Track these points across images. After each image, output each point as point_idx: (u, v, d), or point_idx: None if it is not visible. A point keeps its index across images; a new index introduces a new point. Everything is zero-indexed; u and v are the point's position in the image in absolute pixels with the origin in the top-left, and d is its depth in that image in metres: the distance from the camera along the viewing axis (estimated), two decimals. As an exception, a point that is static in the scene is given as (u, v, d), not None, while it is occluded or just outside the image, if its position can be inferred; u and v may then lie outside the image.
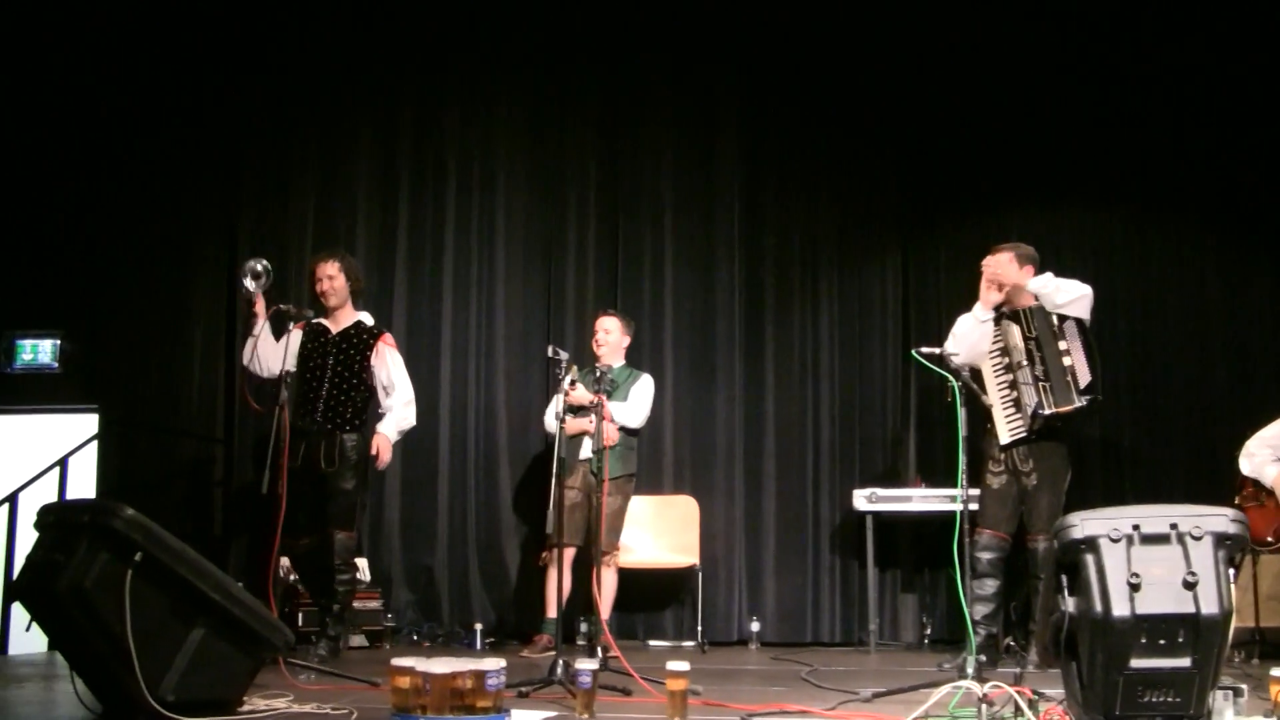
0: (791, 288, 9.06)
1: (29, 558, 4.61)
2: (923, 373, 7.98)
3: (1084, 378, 6.77)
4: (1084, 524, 3.95)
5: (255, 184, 9.33)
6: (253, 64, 9.37)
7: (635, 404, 7.88)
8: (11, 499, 8.26)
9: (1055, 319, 6.85)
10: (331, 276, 7.29)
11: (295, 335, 7.18)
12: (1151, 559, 3.85)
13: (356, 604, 7.82)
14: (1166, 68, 8.74)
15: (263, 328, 7.14)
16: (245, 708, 4.58)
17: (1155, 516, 3.94)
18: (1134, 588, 3.80)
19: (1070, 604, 3.94)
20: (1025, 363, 6.88)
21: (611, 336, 7.89)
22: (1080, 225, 8.84)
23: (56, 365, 9.54)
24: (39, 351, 9.55)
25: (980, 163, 8.90)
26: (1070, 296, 6.85)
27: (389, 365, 7.32)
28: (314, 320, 7.30)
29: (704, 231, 9.15)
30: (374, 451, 7.25)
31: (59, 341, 9.53)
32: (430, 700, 4.19)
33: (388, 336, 7.46)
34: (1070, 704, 4.16)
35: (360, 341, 7.28)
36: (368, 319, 7.47)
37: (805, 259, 9.10)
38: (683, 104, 9.31)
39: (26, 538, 4.91)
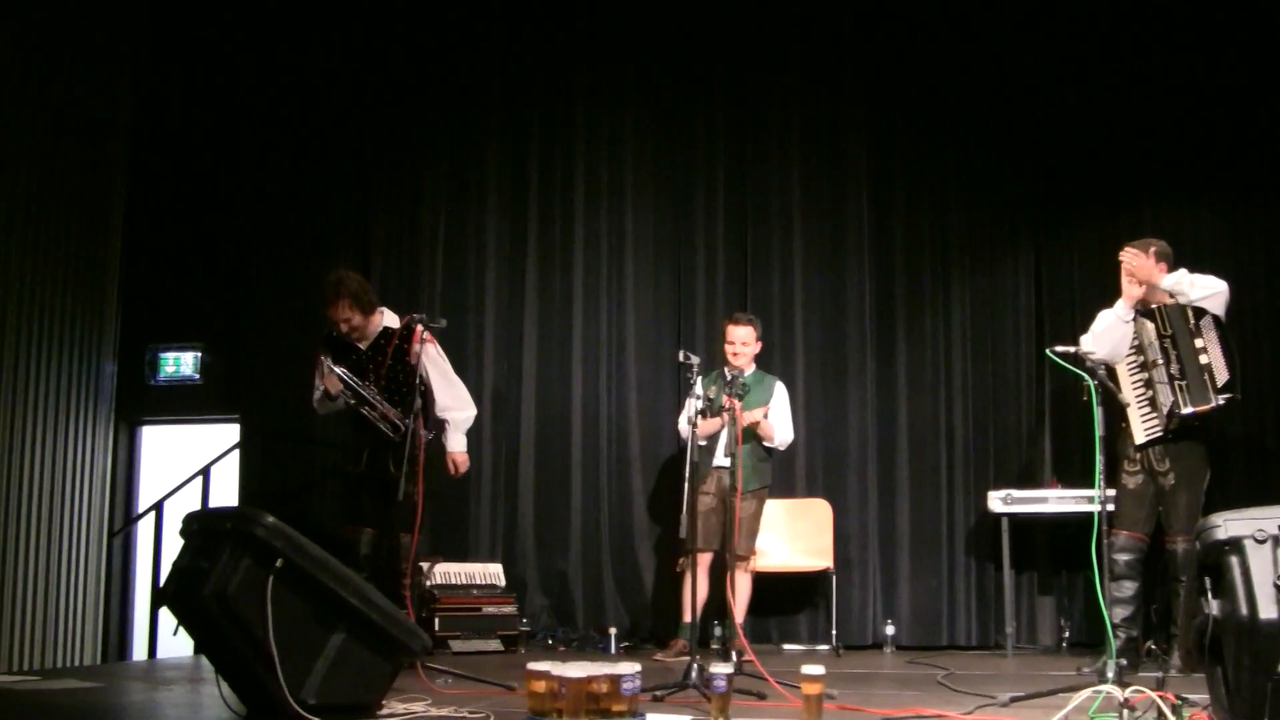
0: (922, 288, 8.99)
1: (175, 564, 4.70)
2: (1057, 372, 7.84)
3: (1221, 376, 6.61)
4: (1227, 525, 3.85)
5: (388, 196, 9.53)
6: (383, 77, 9.56)
7: (781, 424, 7.88)
8: (157, 507, 8.47)
9: (1192, 316, 6.70)
10: (348, 319, 6.78)
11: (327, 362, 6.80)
12: (1299, 560, 3.75)
13: (492, 609, 7.90)
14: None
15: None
16: (384, 711, 4.64)
17: (1302, 517, 3.83)
18: (1281, 590, 3.71)
19: (1214, 607, 3.85)
20: (1160, 361, 6.75)
21: (749, 347, 7.80)
22: (1218, 220, 8.60)
23: (198, 377, 9.82)
24: (181, 364, 9.83)
25: (1113, 157, 8.74)
26: (1206, 291, 6.70)
27: (430, 364, 6.84)
28: (333, 335, 6.90)
29: (833, 233, 9.11)
30: (453, 471, 7.07)
31: (200, 354, 9.79)
32: (566, 704, 4.21)
33: (420, 332, 6.74)
34: (1216, 710, 4.07)
35: (396, 347, 6.80)
36: (391, 318, 6.97)
37: (935, 258, 9.02)
38: (810, 105, 9.29)
39: (172, 545, 5.01)
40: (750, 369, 7.78)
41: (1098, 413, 5.48)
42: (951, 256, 9.00)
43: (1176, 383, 6.67)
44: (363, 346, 6.87)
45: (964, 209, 9.03)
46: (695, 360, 6.16)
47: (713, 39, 9.40)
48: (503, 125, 9.54)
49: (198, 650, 6.27)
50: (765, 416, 7.71)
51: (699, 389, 6.16)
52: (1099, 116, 8.76)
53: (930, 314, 8.96)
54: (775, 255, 9.14)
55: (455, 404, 7.04)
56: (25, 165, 8.58)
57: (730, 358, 7.73)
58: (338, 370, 6.69)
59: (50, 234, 8.82)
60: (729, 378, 6.46)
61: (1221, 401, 6.60)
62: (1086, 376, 5.61)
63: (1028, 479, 8.52)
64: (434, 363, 6.89)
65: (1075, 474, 8.23)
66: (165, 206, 9.95)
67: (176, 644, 7.42)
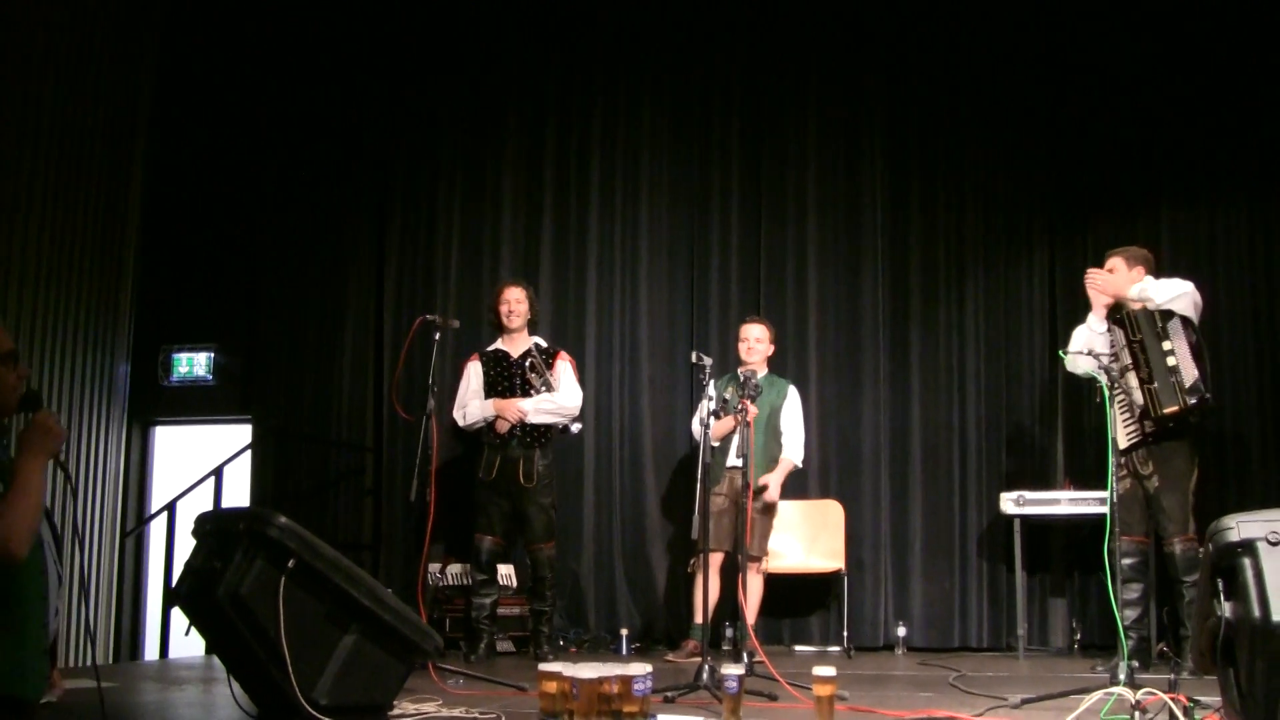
0: (937, 289, 8.96)
1: (187, 564, 4.71)
2: (1070, 374, 7.85)
3: (1189, 377, 6.57)
4: (1240, 526, 3.82)
5: (403, 197, 9.56)
6: (398, 80, 9.60)
7: (796, 434, 7.93)
8: (170, 507, 8.48)
9: (1159, 319, 6.69)
10: (519, 300, 7.78)
11: (475, 367, 7.78)
12: (1314, 562, 3.73)
13: (502, 610, 7.94)
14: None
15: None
16: (395, 712, 4.64)
17: (1317, 518, 3.80)
18: (1295, 592, 3.68)
19: (1227, 609, 3.82)
20: (1132, 366, 6.75)
21: (762, 345, 7.88)
22: (1234, 220, 8.53)
23: (211, 378, 9.85)
24: (195, 365, 9.86)
25: (1129, 157, 8.70)
26: (1170, 294, 6.72)
27: (557, 375, 7.73)
28: (489, 349, 7.80)
29: (847, 234, 9.09)
30: (507, 412, 7.60)
31: (214, 355, 9.82)
32: (578, 705, 4.22)
33: (564, 354, 7.89)
34: (1228, 712, 4.05)
35: (543, 361, 7.71)
36: (541, 342, 7.89)
37: (950, 260, 8.99)
38: (825, 106, 9.26)
39: (185, 545, 5.02)
40: (763, 371, 7.79)
41: (1111, 413, 5.47)
42: (966, 257, 8.97)
43: (1147, 386, 6.66)
44: (514, 355, 7.77)
45: (979, 209, 8.99)
46: (708, 362, 6.19)
47: (728, 40, 9.39)
48: (518, 127, 9.55)
49: (210, 650, 6.29)
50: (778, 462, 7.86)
51: (712, 390, 6.17)
52: (1114, 116, 8.72)
53: (944, 315, 8.93)
54: (789, 256, 9.13)
55: (558, 393, 7.72)
56: (42, 166, 8.60)
57: (744, 354, 7.82)
58: (535, 357, 7.70)
59: (66, 235, 8.84)
60: (742, 379, 6.47)
61: (1191, 402, 6.56)
62: (1100, 377, 5.60)
63: (1041, 481, 8.49)
64: (566, 373, 7.82)
65: (1089, 475, 8.22)
66: (180, 208, 9.98)
67: (189, 644, 7.43)
